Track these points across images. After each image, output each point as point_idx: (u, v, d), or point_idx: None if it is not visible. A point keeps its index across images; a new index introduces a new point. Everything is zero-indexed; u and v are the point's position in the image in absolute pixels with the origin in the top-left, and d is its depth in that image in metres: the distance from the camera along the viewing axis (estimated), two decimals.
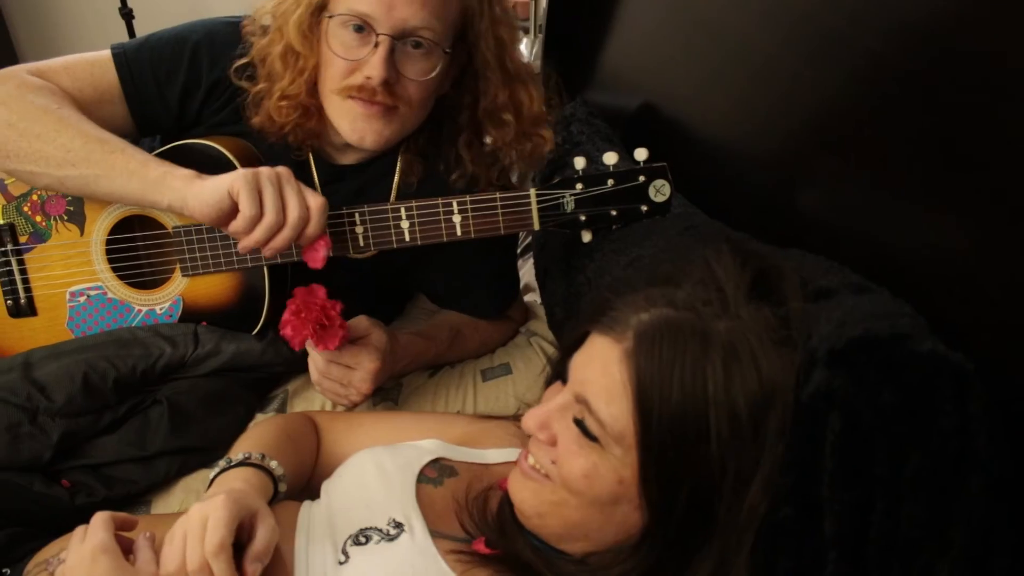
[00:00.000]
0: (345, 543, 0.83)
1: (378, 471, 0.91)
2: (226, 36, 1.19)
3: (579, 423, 0.75)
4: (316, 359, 1.14)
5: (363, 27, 1.06)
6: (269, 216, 0.98)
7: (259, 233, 0.99)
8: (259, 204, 0.98)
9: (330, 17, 1.08)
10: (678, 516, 0.72)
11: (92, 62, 1.16)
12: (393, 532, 0.82)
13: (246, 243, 1.01)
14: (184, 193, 1.01)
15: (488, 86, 1.17)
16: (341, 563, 0.81)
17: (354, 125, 1.12)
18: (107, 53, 1.17)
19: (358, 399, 1.15)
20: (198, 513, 0.74)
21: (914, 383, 0.65)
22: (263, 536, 0.77)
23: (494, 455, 0.97)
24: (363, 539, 0.83)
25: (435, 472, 0.92)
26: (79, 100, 1.13)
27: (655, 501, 0.73)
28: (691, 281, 0.79)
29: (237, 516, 0.75)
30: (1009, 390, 0.68)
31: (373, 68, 1.06)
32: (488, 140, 1.23)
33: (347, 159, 1.25)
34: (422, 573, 0.78)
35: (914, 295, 0.75)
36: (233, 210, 1.00)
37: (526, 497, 0.81)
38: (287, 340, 1.07)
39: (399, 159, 1.24)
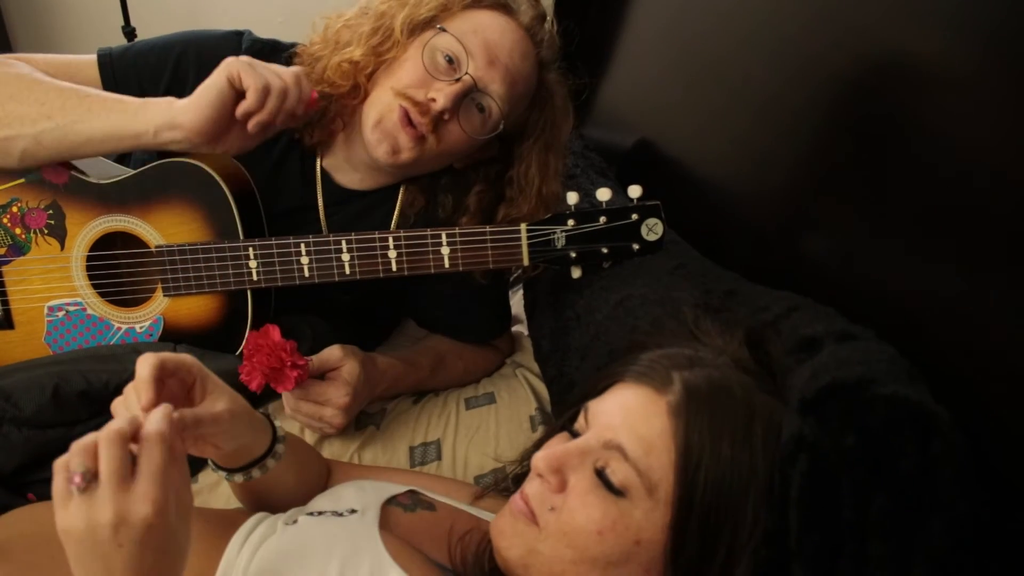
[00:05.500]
0: (298, 514, 0.82)
1: (354, 487, 0.90)
2: (216, 45, 1.18)
3: (601, 473, 0.71)
4: (287, 396, 1.12)
5: (454, 60, 1.10)
6: (274, 81, 0.99)
7: (273, 102, 1.00)
8: (261, 75, 0.99)
9: (441, 30, 1.10)
10: None
11: (71, 62, 1.15)
12: (346, 513, 0.81)
13: (261, 117, 1.01)
14: (170, 112, 1.00)
15: (518, 196, 1.22)
16: (287, 524, 0.80)
17: (383, 125, 1.12)
18: (92, 56, 1.16)
19: (332, 432, 1.14)
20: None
21: (875, 426, 0.65)
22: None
23: (476, 511, 0.93)
24: (316, 513, 0.83)
25: (409, 500, 0.88)
26: None
27: (688, 562, 0.69)
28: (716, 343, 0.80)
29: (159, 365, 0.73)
30: (1001, 434, 0.68)
31: (442, 96, 1.08)
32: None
33: (353, 182, 1.24)
34: (358, 543, 0.75)
35: (906, 338, 0.76)
36: (234, 99, 1.00)
37: (513, 543, 0.74)
38: (245, 385, 1.04)
39: (401, 190, 1.25)
